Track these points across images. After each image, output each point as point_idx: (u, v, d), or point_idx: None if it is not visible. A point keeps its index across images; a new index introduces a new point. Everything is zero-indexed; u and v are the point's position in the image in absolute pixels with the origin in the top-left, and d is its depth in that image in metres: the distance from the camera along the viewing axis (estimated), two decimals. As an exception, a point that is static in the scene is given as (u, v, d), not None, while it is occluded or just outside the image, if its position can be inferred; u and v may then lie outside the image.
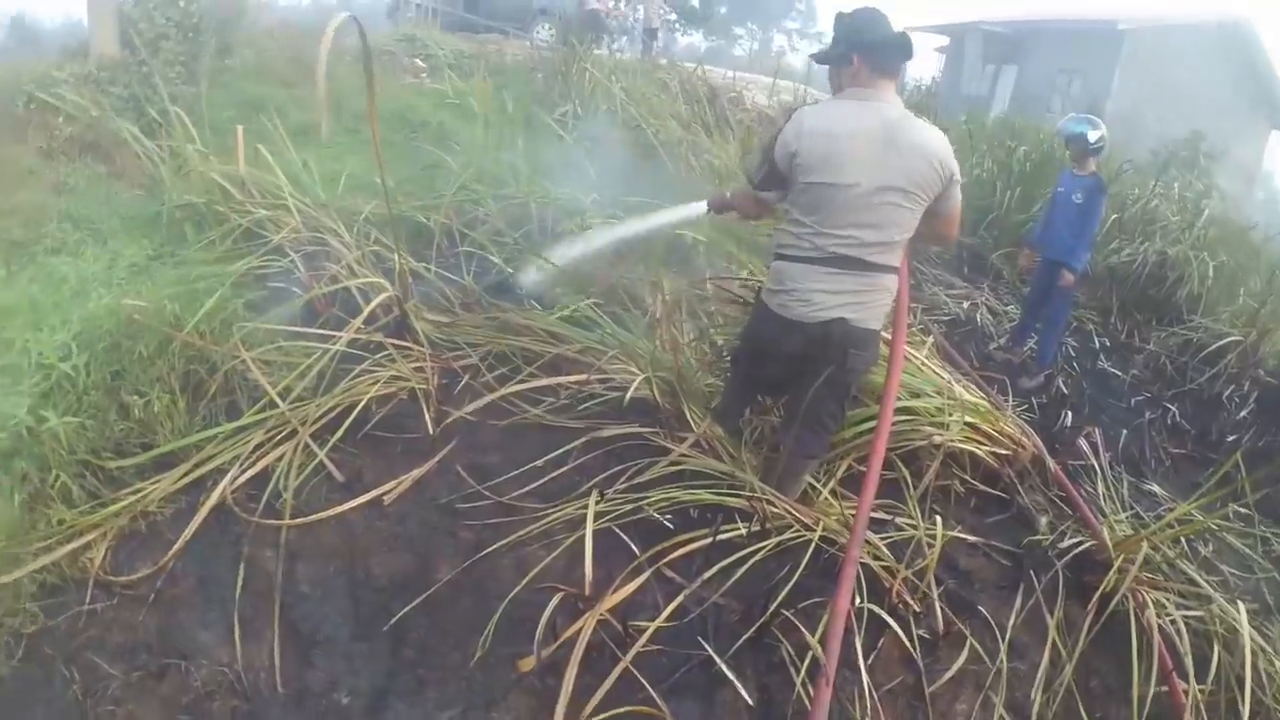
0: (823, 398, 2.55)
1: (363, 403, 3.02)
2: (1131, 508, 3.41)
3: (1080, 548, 2.86)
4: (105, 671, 2.45)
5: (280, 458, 2.91)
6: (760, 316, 2.61)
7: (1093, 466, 3.57)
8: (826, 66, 2.48)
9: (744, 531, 2.62)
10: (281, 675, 2.51)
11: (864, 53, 2.33)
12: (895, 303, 2.65)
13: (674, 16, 14.40)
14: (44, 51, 8.25)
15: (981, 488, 3.17)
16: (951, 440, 3.04)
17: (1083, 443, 3.70)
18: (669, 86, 5.06)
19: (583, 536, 2.48)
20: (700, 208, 2.91)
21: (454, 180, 3.96)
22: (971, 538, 2.89)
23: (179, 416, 3.06)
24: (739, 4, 39.24)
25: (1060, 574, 2.75)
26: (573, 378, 3.13)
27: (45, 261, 3.69)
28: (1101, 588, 2.65)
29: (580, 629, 2.27)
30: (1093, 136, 4.53)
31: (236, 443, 2.98)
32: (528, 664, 2.24)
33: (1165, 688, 2.47)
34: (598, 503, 2.55)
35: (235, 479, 2.86)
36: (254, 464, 2.91)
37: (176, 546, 2.72)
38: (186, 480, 2.90)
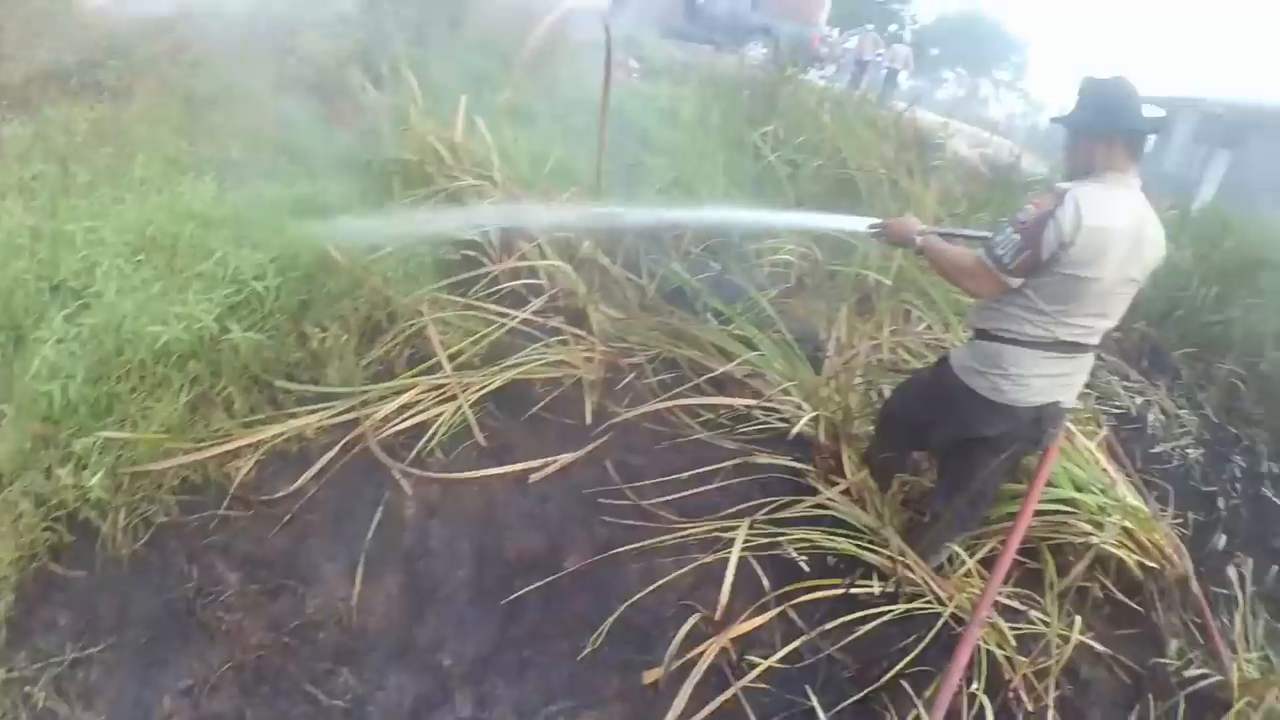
0: (996, 473, 2.49)
1: (527, 380, 3.11)
2: (1264, 649, 3.12)
3: (1205, 681, 2.70)
4: (223, 577, 2.63)
5: (438, 416, 3.03)
6: (952, 392, 2.44)
7: (1234, 597, 3.29)
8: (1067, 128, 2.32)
9: (876, 590, 2.56)
10: (392, 622, 2.60)
11: (1128, 136, 2.19)
12: None
13: (882, 52, 14.14)
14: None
15: (1120, 597, 3.00)
16: (1104, 542, 2.92)
17: (1231, 570, 3.41)
18: (876, 124, 4.98)
19: (716, 559, 2.48)
20: (858, 224, 2.74)
21: (654, 181, 4.05)
22: (1099, 647, 2.74)
23: (350, 357, 3.22)
24: (952, 47, 38.02)
25: (1180, 704, 2.60)
26: (740, 400, 3.12)
27: (256, 185, 3.98)
28: (1218, 727, 2.49)
29: (703, 651, 2.27)
30: None
31: (401, 392, 3.12)
32: (653, 676, 2.26)
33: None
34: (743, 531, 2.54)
35: (392, 426, 3.00)
36: (413, 417, 3.04)
37: (321, 476, 2.87)
38: (346, 417, 3.05)
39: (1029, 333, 2.27)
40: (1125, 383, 5.26)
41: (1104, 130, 2.20)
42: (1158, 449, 4.77)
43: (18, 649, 2.54)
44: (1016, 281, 2.22)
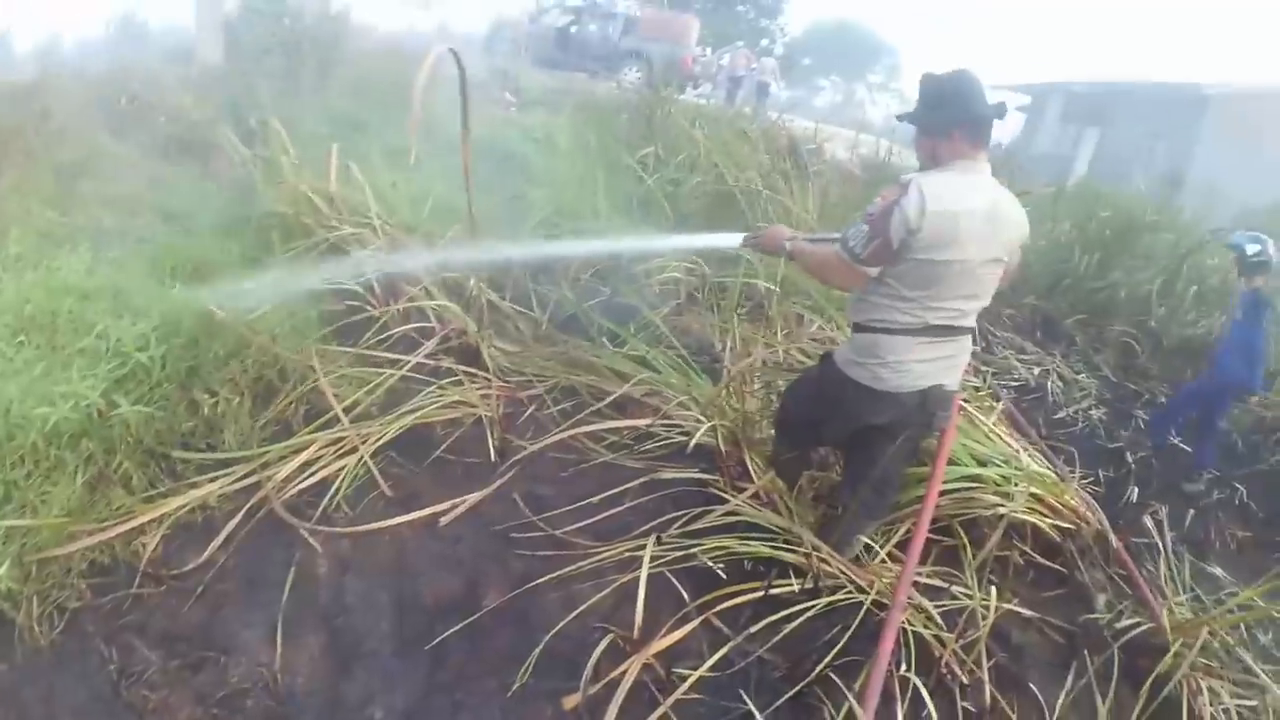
0: (895, 459, 2.54)
1: (427, 424, 3.07)
2: (1192, 590, 3.27)
3: (1137, 629, 2.77)
4: (143, 656, 2.54)
5: (341, 470, 2.96)
6: (837, 385, 2.50)
7: (1156, 545, 3.44)
8: (912, 125, 2.42)
9: (796, 588, 2.58)
10: (318, 682, 2.54)
11: (968, 125, 2.28)
12: None
13: (755, 67, 14.60)
14: (149, 51, 8.70)
15: (1041, 561, 3.08)
16: (1014, 511, 2.97)
17: (1147, 520, 3.57)
18: (750, 136, 5.10)
19: (633, 578, 2.47)
20: (733, 240, 2.82)
21: (535, 213, 4.06)
22: (1026, 612, 2.80)
23: (245, 419, 3.14)
24: (825, 56, 39.45)
25: (1115, 655, 2.67)
26: (641, 420, 3.13)
27: (133, 251, 3.83)
28: (1155, 672, 2.57)
29: (625, 671, 2.25)
30: (1250, 250, 4.46)
31: (300, 450, 3.04)
32: (572, 702, 2.24)
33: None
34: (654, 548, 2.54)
35: (295, 485, 2.93)
36: (314, 474, 2.96)
37: (229, 544, 2.80)
38: (247, 481, 2.97)
39: (899, 320, 2.34)
40: (1021, 356, 5.49)
41: (944, 123, 2.29)
42: (1060, 414, 4.98)
43: (-54, 755, 2.39)
44: (872, 270, 2.29)
